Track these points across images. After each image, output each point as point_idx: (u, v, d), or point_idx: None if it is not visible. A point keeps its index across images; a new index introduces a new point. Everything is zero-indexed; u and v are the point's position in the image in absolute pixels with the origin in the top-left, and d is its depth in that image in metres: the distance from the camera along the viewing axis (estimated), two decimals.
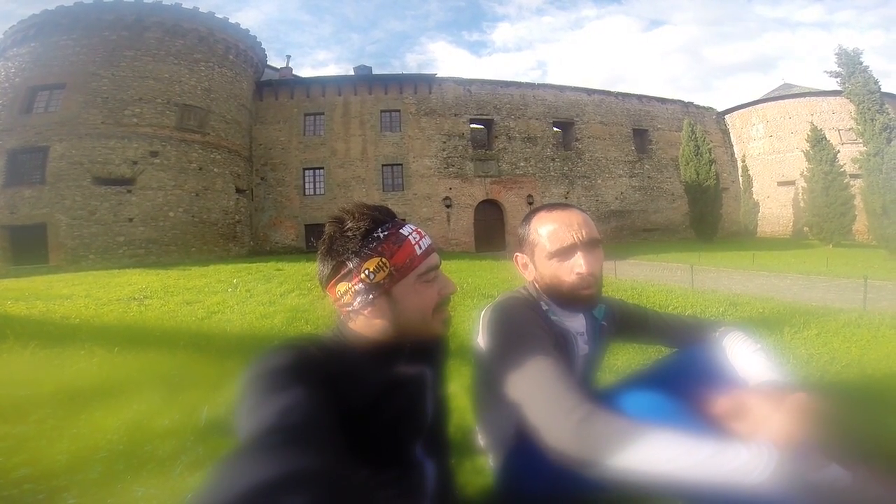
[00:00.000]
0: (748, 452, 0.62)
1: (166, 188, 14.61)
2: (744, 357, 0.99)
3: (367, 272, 0.71)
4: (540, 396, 0.77)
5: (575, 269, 0.96)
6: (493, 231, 19.85)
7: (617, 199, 22.05)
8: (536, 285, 1.04)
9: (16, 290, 6.29)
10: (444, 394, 0.93)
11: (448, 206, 19.39)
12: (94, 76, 14.40)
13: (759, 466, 0.60)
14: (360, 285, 0.71)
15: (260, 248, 17.75)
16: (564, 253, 0.96)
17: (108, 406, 1.87)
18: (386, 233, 0.73)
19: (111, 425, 1.67)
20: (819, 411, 0.72)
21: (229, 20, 17.22)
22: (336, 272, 0.73)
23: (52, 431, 1.61)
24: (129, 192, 14.05)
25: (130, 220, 13.93)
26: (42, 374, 2.34)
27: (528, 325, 0.90)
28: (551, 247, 0.97)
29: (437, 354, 0.88)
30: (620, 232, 21.50)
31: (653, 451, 0.64)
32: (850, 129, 19.36)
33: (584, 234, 0.96)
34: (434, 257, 0.77)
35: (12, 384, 2.09)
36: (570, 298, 0.99)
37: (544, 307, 1.01)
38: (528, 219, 1.05)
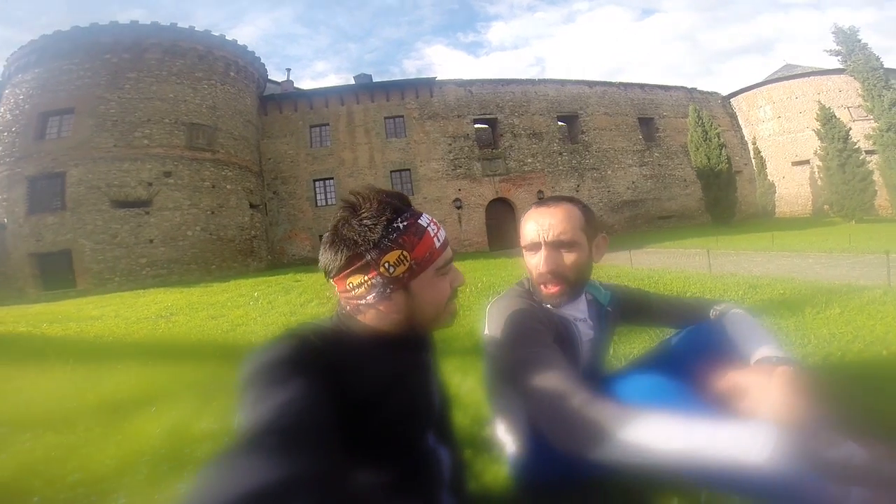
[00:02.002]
0: (746, 431, 0.61)
1: (182, 207, 14.86)
2: (743, 334, 1.01)
3: (387, 265, 0.67)
4: (538, 387, 0.79)
5: (535, 265, 1.02)
6: (505, 229, 19.76)
7: (629, 188, 21.79)
8: None
9: (49, 314, 6.53)
10: (442, 380, 0.91)
11: (459, 208, 19.42)
12: (101, 99, 14.56)
13: (757, 445, 0.59)
14: (378, 279, 0.67)
15: (277, 261, 17.98)
16: (530, 249, 1.03)
17: (148, 414, 1.96)
18: (406, 223, 0.69)
19: (153, 431, 1.75)
20: (809, 385, 0.72)
21: (226, 37, 17.25)
22: (350, 263, 0.68)
23: (99, 439, 1.70)
24: (147, 213, 14.32)
25: (151, 241, 14.20)
26: (83, 388, 2.45)
27: (525, 318, 0.95)
28: (522, 242, 1.05)
29: (430, 341, 0.86)
30: (635, 221, 21.26)
31: (648, 434, 0.65)
32: (858, 106, 18.92)
33: (549, 235, 1.00)
34: (449, 250, 0.76)
35: (58, 398, 2.20)
36: (539, 290, 1.04)
37: (538, 297, 1.06)
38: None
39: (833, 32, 17.69)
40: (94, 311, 6.53)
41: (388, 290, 0.68)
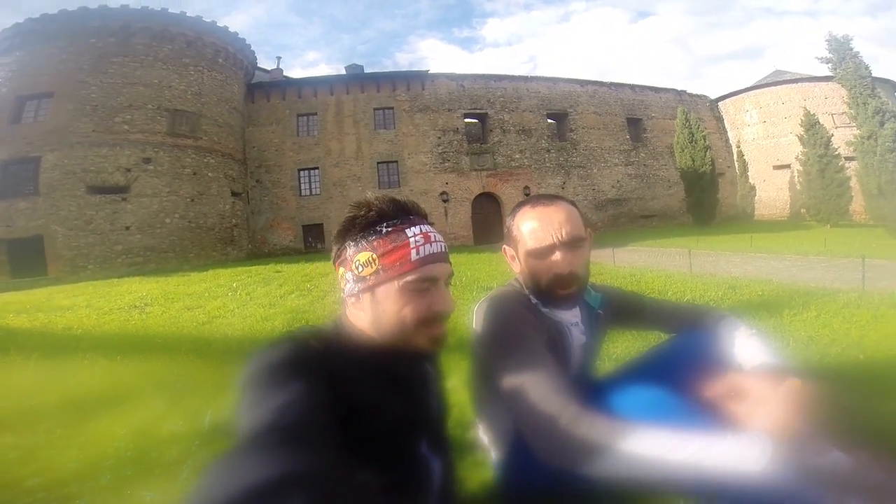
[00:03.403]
0: (740, 444, 0.63)
1: (161, 195, 14.53)
2: (740, 341, 1.00)
3: (357, 263, 0.70)
4: (529, 398, 0.77)
5: (553, 268, 0.95)
6: (491, 224, 19.81)
7: (613, 187, 22.05)
8: (521, 278, 1.05)
9: (16, 304, 6.28)
10: (444, 390, 0.91)
11: (445, 201, 19.38)
12: (83, 84, 14.27)
13: (751, 458, 0.61)
14: (350, 274, 0.72)
15: (258, 251, 17.70)
16: (543, 253, 0.96)
17: (114, 414, 1.88)
18: (389, 229, 0.70)
19: (118, 433, 1.68)
20: (814, 397, 0.73)
21: (217, 24, 17.08)
22: (338, 255, 0.74)
23: (61, 440, 1.62)
24: (125, 199, 13.97)
25: (127, 228, 13.87)
26: (47, 384, 2.35)
27: (518, 323, 0.91)
28: (531, 245, 0.97)
29: (433, 352, 0.85)
30: (618, 219, 21.54)
31: (639, 450, 0.65)
32: (843, 113, 19.43)
33: (563, 234, 0.95)
34: (433, 269, 0.72)
35: (18, 395, 2.09)
36: (549, 295, 0.99)
37: (534, 300, 1.01)
38: (513, 213, 1.05)
39: (826, 40, 17.99)
40: (64, 301, 6.30)
41: (357, 289, 0.71)
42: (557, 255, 0.95)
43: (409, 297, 0.70)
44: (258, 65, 20.41)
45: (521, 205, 1.04)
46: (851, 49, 17.75)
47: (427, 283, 0.71)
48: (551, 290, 0.97)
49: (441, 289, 0.73)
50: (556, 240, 0.94)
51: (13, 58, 14.89)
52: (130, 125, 14.44)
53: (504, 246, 1.09)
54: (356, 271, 0.70)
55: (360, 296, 0.71)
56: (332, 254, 0.77)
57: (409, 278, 0.69)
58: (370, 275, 0.70)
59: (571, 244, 0.95)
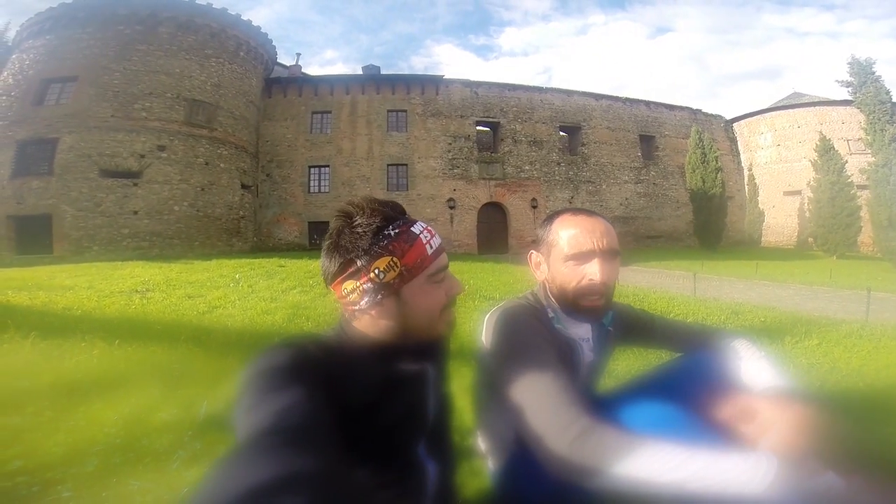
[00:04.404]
0: (747, 462, 0.63)
1: (172, 182, 14.68)
2: (750, 364, 1.00)
3: (377, 271, 0.68)
4: (539, 410, 0.77)
5: (588, 275, 0.95)
6: (495, 234, 19.80)
7: (622, 205, 21.96)
8: (546, 286, 1.04)
9: (19, 280, 6.32)
10: (447, 392, 0.90)
11: (452, 208, 19.38)
12: (107, 70, 14.54)
13: (758, 476, 0.61)
14: (369, 284, 0.69)
15: (263, 245, 17.81)
16: (581, 258, 0.96)
17: (107, 399, 1.87)
18: (397, 230, 0.70)
19: (109, 418, 1.67)
20: (819, 423, 0.74)
21: (241, 17, 17.36)
22: (343, 270, 0.70)
23: (48, 423, 1.61)
24: (136, 185, 14.13)
25: (135, 212, 14.00)
26: (41, 365, 2.34)
27: (532, 335, 0.90)
28: (569, 250, 0.97)
29: (438, 351, 0.86)
30: (624, 238, 21.40)
31: (648, 464, 0.65)
32: (859, 139, 19.25)
33: (604, 242, 0.96)
34: (444, 257, 0.76)
35: (11, 375, 2.09)
36: (574, 305, 0.98)
37: (550, 314, 1.00)
38: (550, 219, 1.05)
39: (849, 63, 17.78)
40: (66, 281, 6.33)
41: (379, 297, 0.69)
42: (595, 263, 0.95)
43: (432, 289, 0.73)
44: (277, 60, 20.67)
45: (559, 212, 1.04)
46: (873, 73, 17.55)
47: (443, 272, 0.74)
48: (577, 300, 0.97)
49: (450, 275, 0.77)
50: (596, 247, 0.95)
51: (43, 41, 15.24)
52: (149, 112, 14.64)
53: (531, 251, 1.09)
54: (378, 279, 0.68)
55: (383, 302, 0.70)
56: (330, 272, 0.71)
57: (431, 272, 0.72)
58: (394, 279, 0.69)
59: (610, 255, 0.97)
